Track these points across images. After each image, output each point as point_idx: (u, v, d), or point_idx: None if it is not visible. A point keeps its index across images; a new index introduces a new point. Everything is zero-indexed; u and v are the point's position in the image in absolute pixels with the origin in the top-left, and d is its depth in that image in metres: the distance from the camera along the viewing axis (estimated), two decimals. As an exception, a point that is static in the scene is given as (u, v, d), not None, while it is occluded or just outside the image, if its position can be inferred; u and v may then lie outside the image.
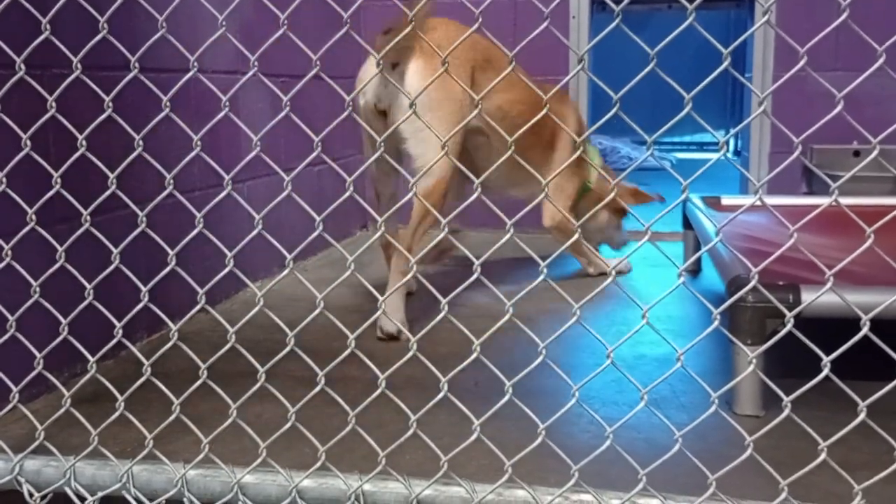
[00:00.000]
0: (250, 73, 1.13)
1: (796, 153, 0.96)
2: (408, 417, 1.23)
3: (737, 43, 1.02)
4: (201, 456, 1.30)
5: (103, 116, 1.21)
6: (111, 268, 1.24)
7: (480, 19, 1.02)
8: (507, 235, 1.12)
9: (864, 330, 0.99)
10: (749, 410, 1.86)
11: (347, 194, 1.11)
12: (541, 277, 1.11)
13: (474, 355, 1.17)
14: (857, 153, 3.73)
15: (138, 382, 1.30)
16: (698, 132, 8.53)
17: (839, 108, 0.92)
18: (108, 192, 1.23)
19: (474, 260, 1.16)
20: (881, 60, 0.89)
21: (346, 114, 1.14)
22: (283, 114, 1.09)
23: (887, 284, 1.83)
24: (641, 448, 1.67)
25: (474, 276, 1.16)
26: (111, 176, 1.20)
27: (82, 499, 1.36)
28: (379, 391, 1.29)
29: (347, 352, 1.22)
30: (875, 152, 0.93)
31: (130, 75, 1.17)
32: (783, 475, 1.11)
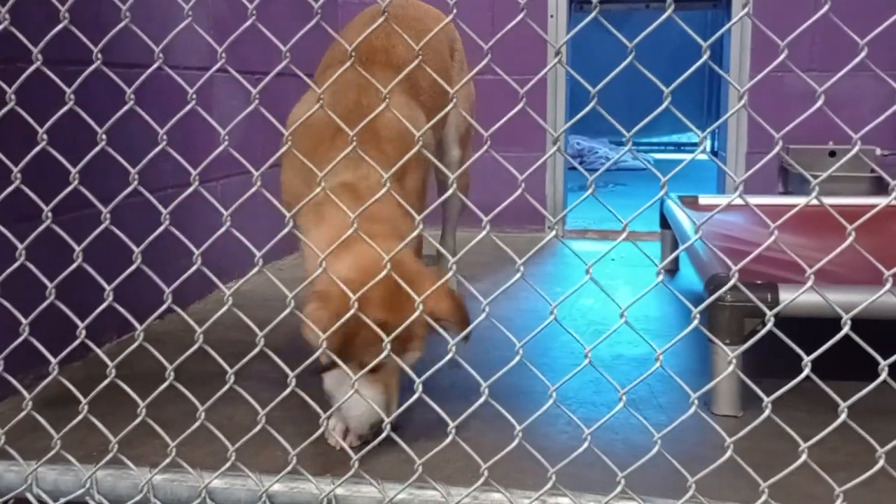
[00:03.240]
0: (218, 65, 1.09)
1: (777, 148, 0.94)
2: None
3: (716, 36, 1.00)
4: (168, 460, 1.26)
5: (65, 108, 1.17)
6: (73, 266, 1.20)
7: (455, 10, 1.00)
8: (483, 233, 1.09)
9: (846, 329, 0.97)
10: (727, 411, 1.85)
11: (319, 189, 1.08)
12: (517, 276, 1.09)
13: (450, 355, 1.15)
14: (832, 153, 3.74)
15: (102, 385, 1.26)
16: (675, 132, 8.56)
17: (820, 102, 0.90)
18: (70, 188, 1.19)
19: (450, 257, 1.13)
20: (863, 54, 0.87)
21: (315, 108, 1.11)
22: (251, 107, 1.06)
23: (864, 284, 1.83)
24: (619, 449, 1.66)
25: (450, 273, 1.13)
26: (73, 171, 1.16)
27: (44, 505, 1.32)
28: (352, 392, 1.27)
29: (319, 352, 1.19)
30: (856, 148, 0.92)
31: (93, 66, 1.13)
32: (761, 476, 1.09)
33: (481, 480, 1.16)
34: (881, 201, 0.97)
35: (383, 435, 1.21)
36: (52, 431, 1.31)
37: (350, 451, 1.22)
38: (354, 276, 1.38)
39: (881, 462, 1.03)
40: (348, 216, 1.16)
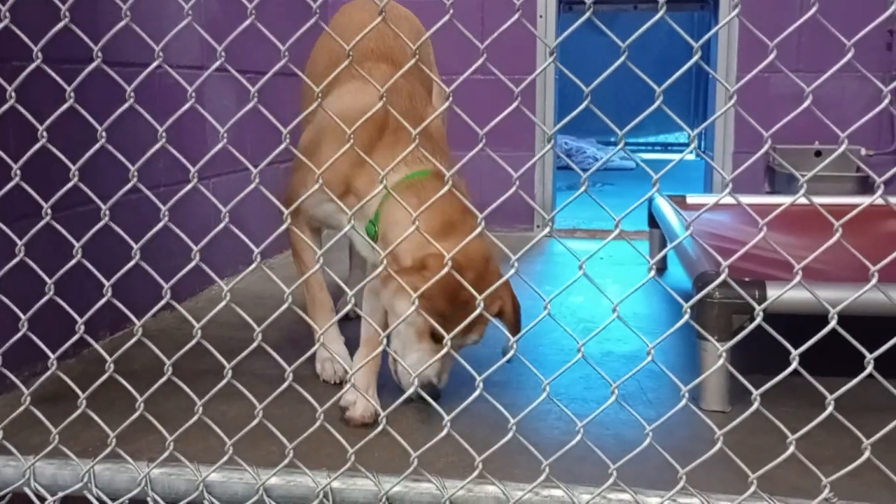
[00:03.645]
0: (217, 63, 1.11)
1: (766, 147, 0.96)
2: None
3: (707, 36, 1.02)
4: (165, 454, 1.27)
5: (65, 107, 1.18)
6: (72, 262, 1.21)
7: (452, 11, 1.02)
8: (479, 229, 1.11)
9: (833, 323, 1.00)
10: (715, 406, 1.87)
11: (317, 187, 1.10)
12: (511, 272, 1.11)
13: (444, 350, 1.17)
14: (818, 153, 3.78)
15: (100, 380, 1.27)
16: (662, 132, 8.60)
17: (808, 102, 0.92)
18: (69, 185, 1.20)
19: (445, 254, 1.15)
20: (850, 54, 0.90)
21: (314, 107, 1.13)
22: (250, 104, 1.08)
23: (850, 282, 1.86)
24: (610, 444, 1.68)
25: (444, 269, 1.15)
26: (73, 168, 1.17)
27: (42, 499, 1.33)
28: (348, 387, 1.28)
29: (317, 346, 1.20)
30: (843, 147, 0.94)
31: (93, 65, 1.14)
32: (749, 469, 1.11)
33: (476, 473, 1.18)
34: (866, 200, 0.99)
35: (379, 428, 1.23)
36: (50, 426, 1.32)
37: (347, 444, 1.23)
38: (462, 260, 1.57)
39: (867, 454, 1.06)
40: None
